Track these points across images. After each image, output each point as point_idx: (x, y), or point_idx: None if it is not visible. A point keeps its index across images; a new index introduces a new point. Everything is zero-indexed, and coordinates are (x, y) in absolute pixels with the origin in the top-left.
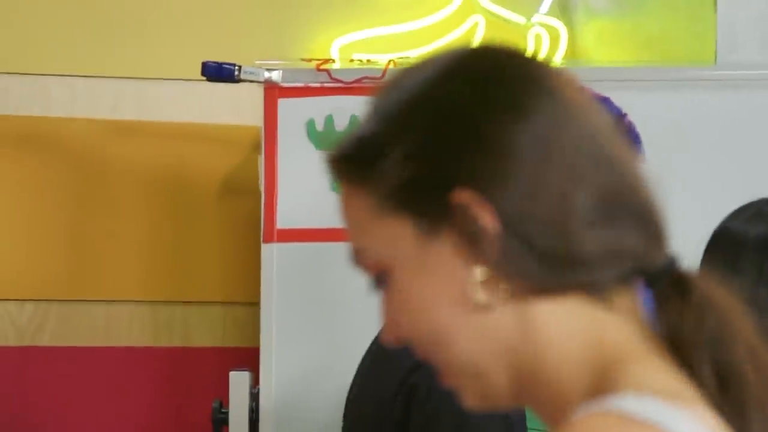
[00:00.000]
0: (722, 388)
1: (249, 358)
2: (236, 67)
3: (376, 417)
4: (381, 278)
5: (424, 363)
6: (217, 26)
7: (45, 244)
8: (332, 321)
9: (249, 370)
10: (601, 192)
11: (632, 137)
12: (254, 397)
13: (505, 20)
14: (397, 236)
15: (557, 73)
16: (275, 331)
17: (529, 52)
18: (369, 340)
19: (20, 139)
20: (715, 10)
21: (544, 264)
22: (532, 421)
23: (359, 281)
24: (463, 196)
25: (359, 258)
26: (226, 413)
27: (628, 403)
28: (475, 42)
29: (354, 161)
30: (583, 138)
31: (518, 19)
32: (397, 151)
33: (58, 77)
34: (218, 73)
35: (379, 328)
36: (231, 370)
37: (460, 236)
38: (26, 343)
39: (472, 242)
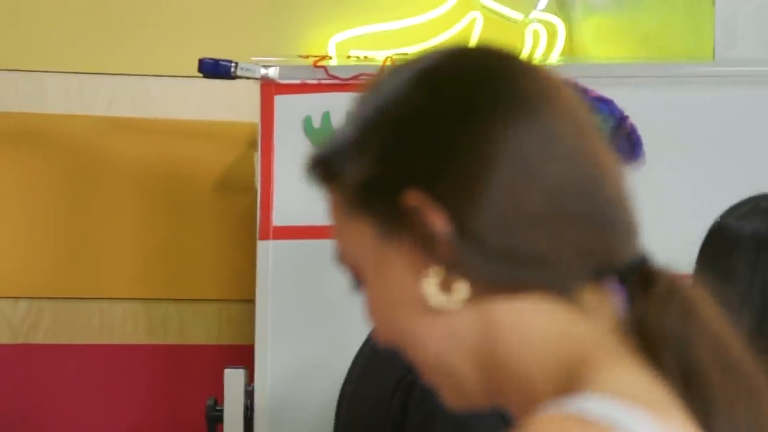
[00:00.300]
0: (687, 386)
1: (244, 356)
2: (233, 64)
3: (373, 415)
4: (358, 279)
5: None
6: (213, 23)
7: (40, 242)
8: (328, 319)
9: (244, 368)
10: (557, 190)
11: (634, 140)
12: (249, 394)
13: (502, 16)
14: (362, 237)
15: (537, 72)
16: (270, 329)
17: (509, 52)
18: (363, 338)
19: (16, 136)
20: (713, 6)
21: (500, 264)
22: None
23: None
24: (413, 198)
25: (339, 257)
26: (221, 411)
27: (588, 403)
28: (473, 39)
29: (323, 163)
30: (556, 144)
31: (516, 15)
32: (360, 152)
33: (55, 74)
34: (215, 69)
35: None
36: (226, 368)
37: (413, 239)
38: (20, 341)
39: (425, 244)
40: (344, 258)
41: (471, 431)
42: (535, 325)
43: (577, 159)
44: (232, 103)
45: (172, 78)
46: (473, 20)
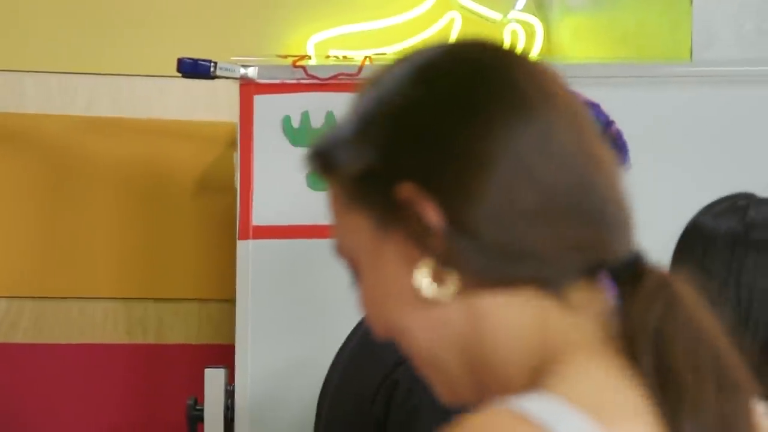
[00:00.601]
0: (661, 384)
1: (224, 355)
2: (212, 64)
3: (355, 413)
4: (354, 272)
5: (407, 359)
6: (192, 22)
7: (19, 241)
8: (307, 318)
9: (224, 367)
10: (553, 187)
11: (619, 145)
12: (229, 394)
13: (481, 16)
14: (358, 229)
15: (533, 67)
16: (251, 328)
17: (506, 48)
18: (345, 337)
19: None
20: (691, 6)
21: (491, 258)
22: None
23: (335, 278)
24: (405, 191)
25: (337, 250)
26: (201, 410)
27: (530, 403)
28: (452, 38)
29: (322, 156)
30: (550, 140)
31: (494, 15)
32: (360, 146)
33: (33, 73)
34: (194, 69)
35: (355, 323)
36: (206, 367)
37: (407, 231)
38: (0, 340)
39: (419, 237)
40: (342, 251)
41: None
42: (520, 321)
43: (574, 157)
44: (212, 103)
45: (151, 78)
46: (452, 20)
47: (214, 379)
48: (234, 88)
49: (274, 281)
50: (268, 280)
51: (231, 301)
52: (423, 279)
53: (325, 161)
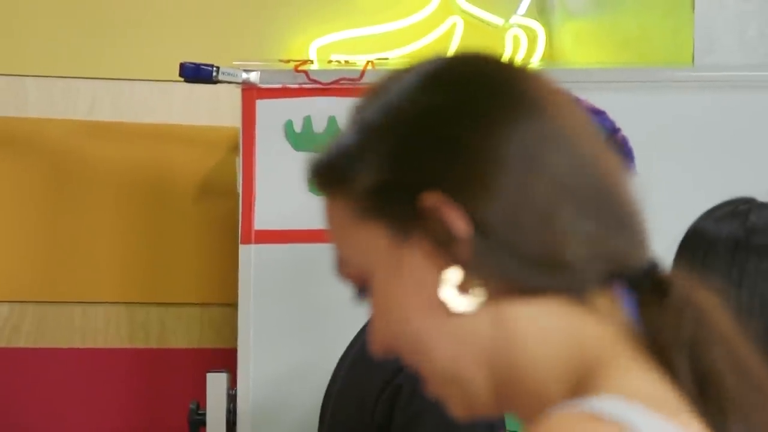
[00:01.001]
0: (701, 391)
1: (226, 360)
2: (214, 68)
3: (357, 419)
4: (363, 287)
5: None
6: (195, 27)
7: (21, 245)
8: (310, 322)
9: (226, 372)
10: (583, 196)
11: (625, 152)
12: (231, 398)
13: (483, 21)
14: (373, 243)
15: (536, 77)
16: (252, 333)
17: (507, 58)
18: (347, 341)
19: None
20: (693, 11)
21: (525, 267)
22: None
23: (337, 283)
24: (431, 199)
25: (342, 267)
26: (204, 414)
27: (602, 403)
28: (454, 44)
29: (331, 169)
30: (563, 141)
31: (496, 20)
32: (371, 157)
33: (36, 78)
34: (196, 74)
35: (358, 329)
36: (208, 372)
37: (430, 240)
38: (2, 344)
39: (442, 246)
40: (346, 266)
41: None
42: (549, 328)
43: (583, 158)
44: (214, 108)
45: (153, 82)
46: (453, 25)
47: (216, 383)
48: (236, 92)
49: (276, 285)
50: (270, 285)
51: (233, 305)
52: (450, 289)
53: (333, 176)
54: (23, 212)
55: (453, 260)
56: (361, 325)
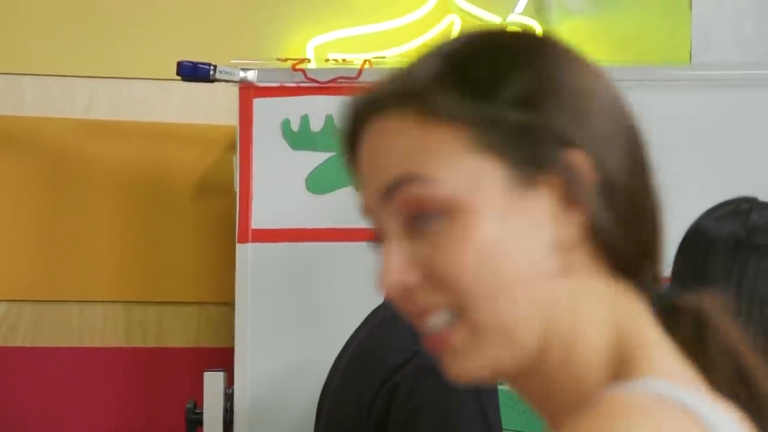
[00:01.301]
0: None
1: (223, 358)
2: (211, 67)
3: (355, 417)
4: (435, 213)
5: (407, 362)
6: (192, 26)
7: (18, 244)
8: (307, 321)
9: (223, 370)
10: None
11: None
12: (228, 397)
13: (480, 20)
14: (485, 175)
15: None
16: (250, 332)
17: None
18: (344, 340)
19: None
20: (690, 10)
21: (628, 244)
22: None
23: (334, 282)
24: (578, 157)
25: (409, 187)
26: (201, 413)
27: (655, 384)
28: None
29: (459, 91)
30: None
31: (493, 18)
32: (508, 92)
33: (33, 76)
34: (193, 72)
35: (354, 327)
36: (205, 371)
37: (559, 196)
38: None
39: (570, 205)
40: (417, 187)
41: (454, 430)
42: (603, 309)
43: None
44: (211, 106)
45: (150, 81)
46: (451, 23)
47: (213, 382)
48: (233, 91)
49: (273, 284)
50: (267, 284)
51: (230, 304)
52: (564, 248)
53: (458, 99)
54: (20, 211)
55: (575, 222)
56: (357, 324)
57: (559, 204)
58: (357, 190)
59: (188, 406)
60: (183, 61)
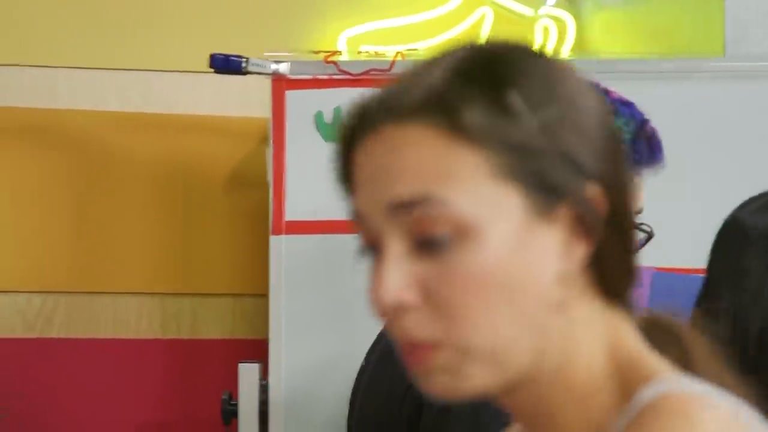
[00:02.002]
0: None
1: (258, 350)
2: (244, 59)
3: (386, 412)
4: (448, 236)
5: None
6: (225, 18)
7: (53, 237)
8: (340, 312)
9: (258, 362)
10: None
11: (654, 144)
12: (263, 388)
13: (512, 12)
14: (505, 203)
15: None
16: (284, 323)
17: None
18: (377, 332)
19: (27, 131)
20: (723, 2)
21: (622, 270)
22: None
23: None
24: (596, 191)
25: (425, 208)
26: (236, 405)
27: (682, 384)
28: (483, 34)
29: (487, 110)
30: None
31: (526, 11)
32: (534, 116)
33: (65, 69)
34: (226, 65)
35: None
36: (240, 362)
37: (571, 226)
38: (35, 335)
39: (579, 236)
40: (431, 208)
41: (485, 429)
42: (598, 328)
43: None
44: (244, 99)
45: (183, 73)
46: (483, 16)
47: (248, 373)
48: (266, 83)
49: (307, 276)
50: (301, 275)
51: (264, 296)
52: (568, 282)
53: (484, 123)
54: (54, 203)
55: (584, 250)
56: None
57: (570, 235)
58: (346, 191)
59: (223, 397)
60: (215, 54)
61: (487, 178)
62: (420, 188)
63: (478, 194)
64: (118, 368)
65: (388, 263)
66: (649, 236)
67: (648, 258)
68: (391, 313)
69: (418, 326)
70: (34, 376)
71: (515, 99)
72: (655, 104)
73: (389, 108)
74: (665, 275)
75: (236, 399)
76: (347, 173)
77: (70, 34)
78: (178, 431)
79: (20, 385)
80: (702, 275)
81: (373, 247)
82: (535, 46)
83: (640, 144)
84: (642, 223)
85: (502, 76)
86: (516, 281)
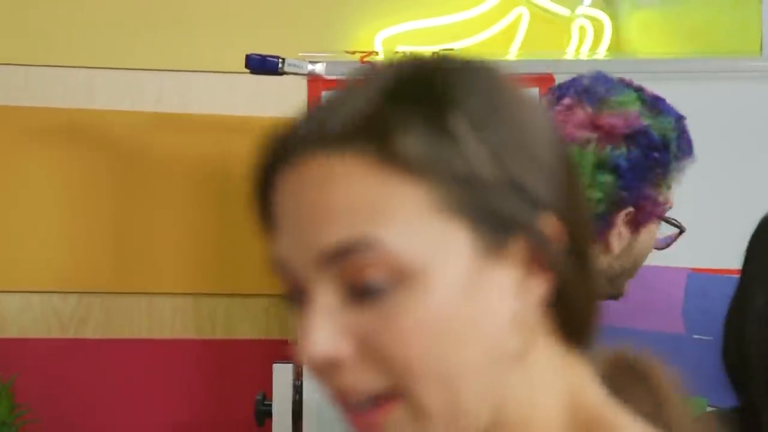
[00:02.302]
0: None
1: (292, 351)
2: (280, 60)
3: None
4: (387, 282)
5: None
6: (261, 19)
7: (88, 237)
8: None
9: (292, 362)
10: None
11: (689, 140)
12: (297, 389)
13: (549, 12)
14: (450, 241)
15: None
16: None
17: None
18: None
19: (64, 132)
20: (761, 1)
21: (584, 308)
22: None
23: None
24: (551, 222)
25: (360, 254)
26: (270, 405)
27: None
28: (519, 34)
29: (426, 136)
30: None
31: (562, 11)
32: (480, 143)
33: (103, 70)
34: (262, 65)
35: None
36: (274, 363)
37: (524, 262)
38: (70, 335)
39: (534, 273)
40: (368, 252)
41: None
42: (560, 379)
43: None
44: (280, 99)
45: (219, 74)
46: (519, 16)
47: (282, 374)
48: (302, 84)
49: None
50: None
51: None
52: (524, 327)
53: (423, 156)
54: (90, 204)
55: (540, 289)
56: None
57: (526, 272)
58: (265, 234)
59: (257, 397)
60: (251, 54)
61: (430, 214)
62: (352, 231)
63: (420, 233)
64: (153, 368)
65: (316, 316)
66: (680, 231)
67: (683, 258)
68: (323, 370)
69: (360, 380)
70: (68, 376)
71: (458, 122)
72: (691, 104)
73: (313, 137)
74: (700, 276)
75: (270, 399)
76: (266, 214)
77: (107, 35)
78: None
79: (54, 385)
80: (737, 276)
81: (300, 295)
82: (475, 59)
83: (681, 141)
84: (672, 218)
85: (441, 95)
86: (468, 328)
